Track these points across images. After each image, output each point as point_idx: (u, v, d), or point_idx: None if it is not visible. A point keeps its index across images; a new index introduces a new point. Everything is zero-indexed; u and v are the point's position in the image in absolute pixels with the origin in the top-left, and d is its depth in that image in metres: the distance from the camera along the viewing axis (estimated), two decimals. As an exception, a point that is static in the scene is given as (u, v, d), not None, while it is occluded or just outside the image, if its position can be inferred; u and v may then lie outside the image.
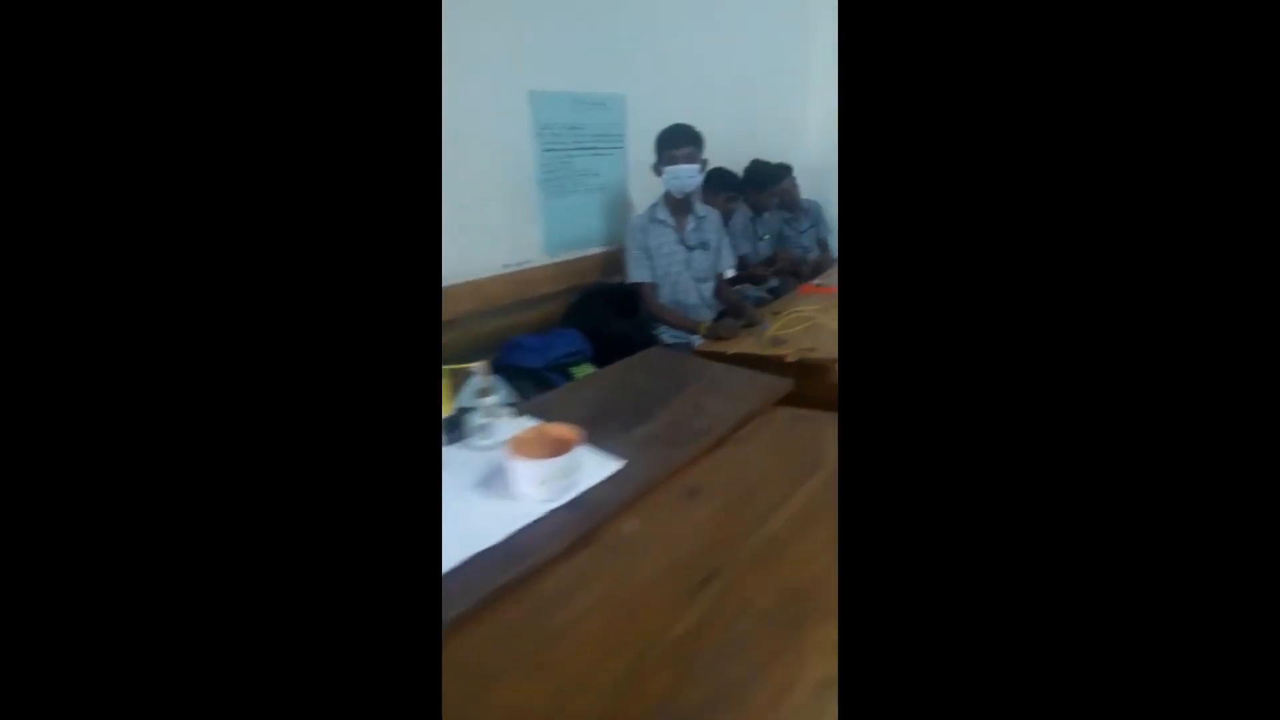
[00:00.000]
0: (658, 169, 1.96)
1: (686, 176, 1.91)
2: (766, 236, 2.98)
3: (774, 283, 2.87)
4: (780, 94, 3.24)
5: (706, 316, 2.18)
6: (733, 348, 1.73)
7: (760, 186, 2.83)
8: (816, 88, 3.41)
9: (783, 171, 3.00)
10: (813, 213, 3.24)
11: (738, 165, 2.82)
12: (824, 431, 1.15)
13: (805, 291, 2.31)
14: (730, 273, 2.60)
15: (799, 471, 1.00)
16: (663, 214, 2.02)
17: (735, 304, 2.16)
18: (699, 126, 2.70)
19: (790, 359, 1.59)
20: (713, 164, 2.68)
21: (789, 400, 1.28)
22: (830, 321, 1.83)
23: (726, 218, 2.59)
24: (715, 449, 1.07)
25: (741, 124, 3.00)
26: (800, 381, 1.62)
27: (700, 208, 2.11)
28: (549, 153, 2.07)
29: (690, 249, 2.06)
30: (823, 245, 3.31)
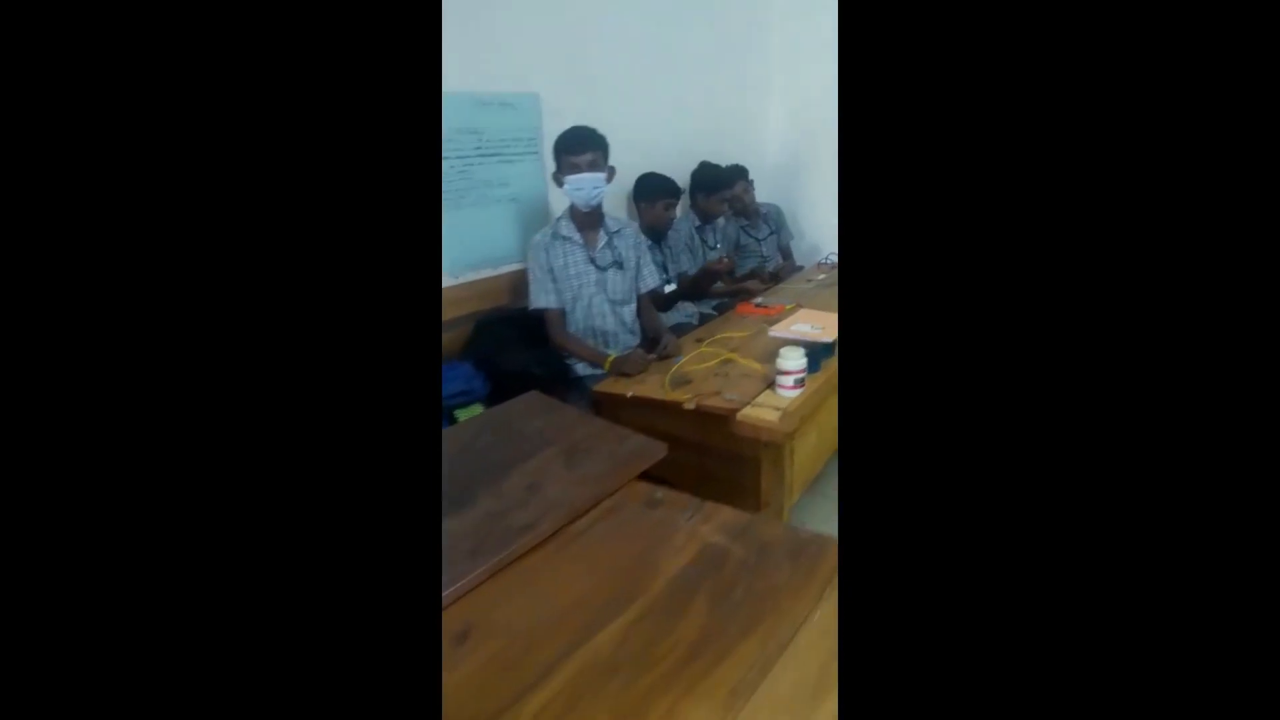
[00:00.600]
0: (558, 179, 1.71)
1: (590, 187, 1.66)
2: (718, 246, 2.72)
3: (717, 302, 2.62)
4: (736, 90, 2.98)
5: (629, 344, 1.93)
6: (634, 387, 1.48)
7: (708, 191, 2.56)
8: (778, 82, 3.14)
9: (733, 174, 2.74)
10: (773, 218, 2.97)
11: (688, 168, 2.57)
12: (673, 525, 0.89)
13: (742, 312, 2.05)
14: (669, 288, 2.36)
15: (614, 600, 0.75)
16: (568, 229, 1.77)
17: (653, 331, 1.91)
18: (636, 127, 2.47)
19: (687, 406, 1.34)
20: (658, 169, 2.45)
21: (690, 449, 1.08)
22: (749, 363, 1.57)
23: (664, 228, 2.34)
24: (522, 559, 0.82)
25: (692, 123, 2.75)
26: (701, 431, 1.37)
27: (613, 221, 1.85)
28: (444, 161, 1.83)
29: (602, 268, 1.81)
30: (785, 252, 3.05)
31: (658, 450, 1.08)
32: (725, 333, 1.81)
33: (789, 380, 1.30)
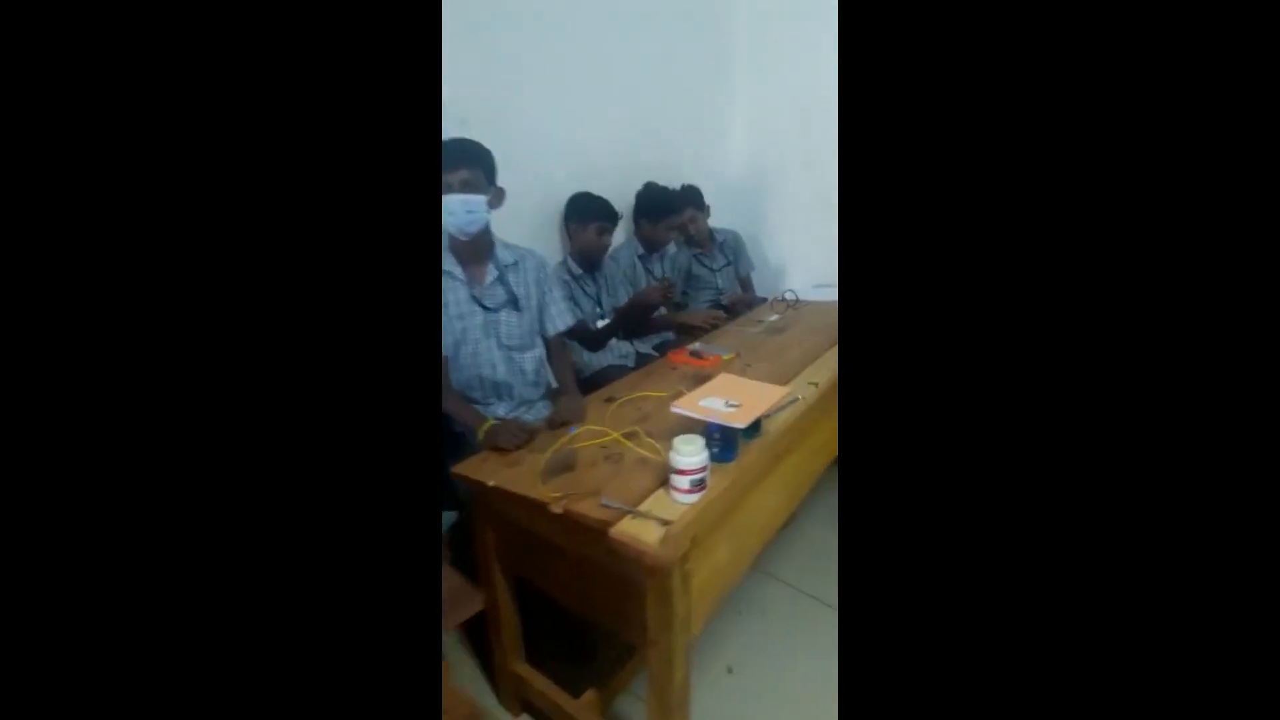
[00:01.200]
0: (435, 200, 1.39)
1: (462, 211, 1.34)
2: (665, 277, 2.41)
3: (659, 340, 2.30)
4: (693, 103, 2.67)
5: (530, 398, 1.61)
6: (501, 471, 1.15)
7: (654, 217, 2.25)
8: (741, 96, 2.84)
9: (684, 198, 2.43)
10: (730, 246, 2.66)
11: (636, 190, 2.26)
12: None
13: (673, 361, 1.73)
14: (601, 323, 2.04)
15: None
16: (448, 262, 1.44)
17: (563, 385, 1.59)
18: (570, 143, 2.16)
19: (553, 509, 1.01)
20: (600, 190, 2.14)
21: (569, 561, 0.91)
22: (646, 447, 1.24)
23: (597, 255, 2.02)
24: None
25: (640, 139, 2.44)
26: (577, 541, 1.04)
27: (509, 251, 1.52)
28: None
29: (491, 309, 1.48)
30: (744, 283, 2.73)
31: (471, 602, 0.75)
32: (645, 390, 1.49)
33: (684, 482, 0.98)
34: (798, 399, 1.37)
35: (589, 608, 1.13)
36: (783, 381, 1.49)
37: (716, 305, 2.57)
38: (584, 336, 2.08)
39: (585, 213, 2.00)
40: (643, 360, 2.07)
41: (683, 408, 1.11)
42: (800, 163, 2.71)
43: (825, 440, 1.59)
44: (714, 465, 1.10)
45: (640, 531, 0.93)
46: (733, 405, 1.11)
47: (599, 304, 2.10)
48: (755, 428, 1.17)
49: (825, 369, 1.59)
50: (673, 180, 2.47)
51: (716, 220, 2.63)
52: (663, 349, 2.20)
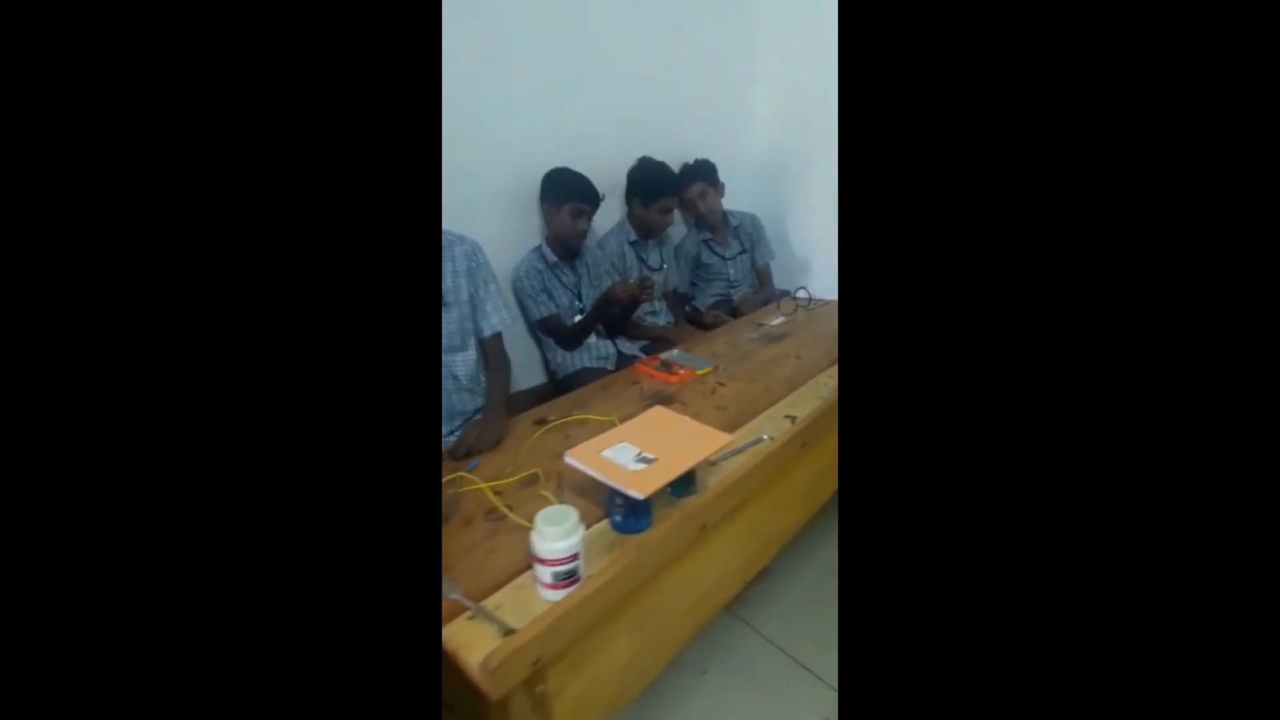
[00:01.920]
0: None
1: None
2: (664, 266, 2.12)
3: (644, 343, 2.01)
4: (710, 70, 2.34)
5: (460, 408, 1.37)
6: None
7: (646, 196, 1.96)
8: (763, 63, 2.47)
9: (685, 175, 2.11)
10: (747, 230, 2.33)
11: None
12: None
13: (640, 371, 1.46)
14: (577, 318, 1.78)
15: None
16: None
17: (496, 393, 1.34)
18: (559, 114, 1.89)
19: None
20: (596, 169, 1.87)
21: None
22: (540, 499, 0.98)
23: (575, 241, 1.76)
24: None
25: (647, 111, 2.14)
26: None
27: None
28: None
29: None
30: (761, 275, 2.40)
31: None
32: (588, 411, 1.23)
33: (545, 574, 0.71)
34: (763, 439, 1.08)
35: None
36: (753, 412, 1.20)
37: (726, 300, 2.27)
38: (557, 333, 1.84)
39: (559, 191, 1.72)
40: (625, 362, 1.80)
41: (578, 460, 0.84)
42: (831, 139, 2.35)
43: (810, 484, 1.28)
44: (619, 536, 0.84)
45: (474, 639, 0.68)
46: (646, 460, 0.84)
47: (579, 296, 1.84)
48: (687, 483, 0.90)
49: (815, 395, 1.28)
50: (684, 157, 2.17)
51: (733, 202, 2.30)
52: (648, 350, 1.92)
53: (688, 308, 2.26)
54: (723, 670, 1.30)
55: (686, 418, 1.01)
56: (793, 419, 1.16)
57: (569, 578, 0.71)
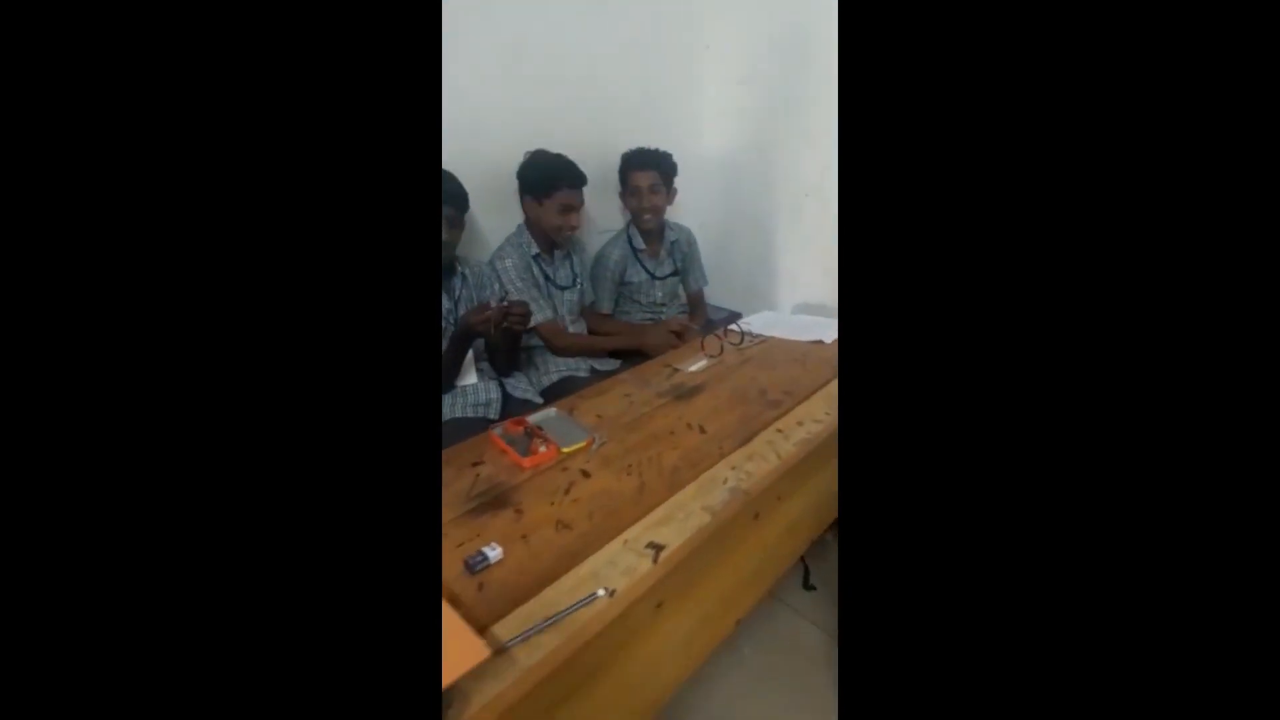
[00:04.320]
0: None
1: None
2: (578, 284, 1.75)
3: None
4: (650, 57, 1.97)
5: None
6: None
7: (542, 190, 1.57)
8: (713, 62, 2.10)
9: (631, 163, 1.75)
10: (682, 249, 1.97)
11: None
12: None
13: (494, 443, 1.10)
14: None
15: None
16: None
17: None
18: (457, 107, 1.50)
19: None
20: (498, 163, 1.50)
21: None
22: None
23: (446, 252, 1.39)
24: None
25: (571, 101, 1.77)
26: None
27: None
28: None
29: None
30: (695, 301, 2.03)
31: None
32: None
33: None
34: (597, 595, 0.73)
35: None
36: (607, 532, 0.82)
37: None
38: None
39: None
40: (512, 409, 1.44)
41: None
42: (791, 139, 1.99)
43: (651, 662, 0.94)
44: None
45: None
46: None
47: (454, 324, 1.47)
48: None
49: (703, 504, 0.92)
50: (606, 155, 1.80)
51: (672, 212, 1.93)
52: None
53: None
54: None
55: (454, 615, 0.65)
56: (657, 549, 0.81)
57: None
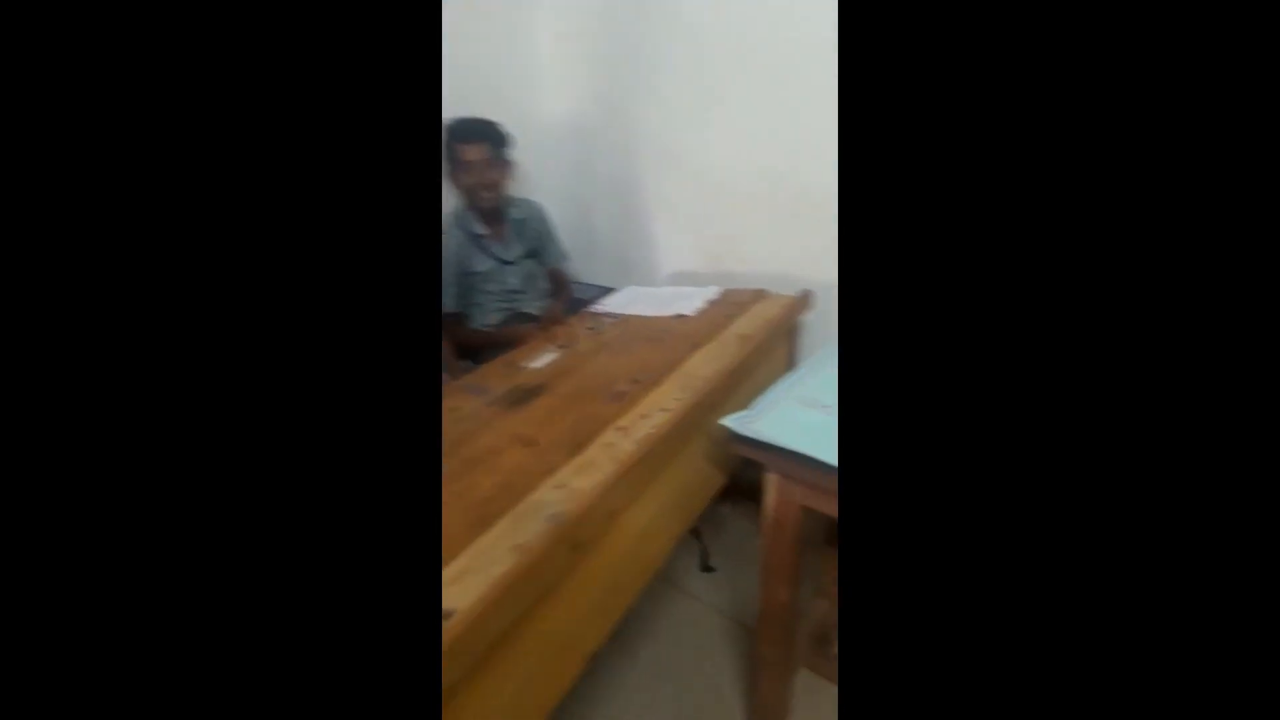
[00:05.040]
0: None
1: None
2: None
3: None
4: (467, 23, 1.74)
5: None
6: None
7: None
8: (540, 10, 1.90)
9: (454, 136, 1.53)
10: (533, 226, 1.78)
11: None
12: None
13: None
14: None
15: None
16: None
17: None
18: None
19: None
20: None
21: None
22: None
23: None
24: None
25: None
26: None
27: None
28: None
29: None
30: (558, 280, 1.86)
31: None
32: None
33: None
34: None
35: None
36: None
37: (520, 317, 1.73)
38: None
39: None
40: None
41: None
42: (641, 95, 1.83)
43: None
44: None
45: None
46: None
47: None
48: None
49: (511, 541, 0.78)
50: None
51: (530, 187, 1.74)
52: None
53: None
54: None
55: None
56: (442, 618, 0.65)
57: None
